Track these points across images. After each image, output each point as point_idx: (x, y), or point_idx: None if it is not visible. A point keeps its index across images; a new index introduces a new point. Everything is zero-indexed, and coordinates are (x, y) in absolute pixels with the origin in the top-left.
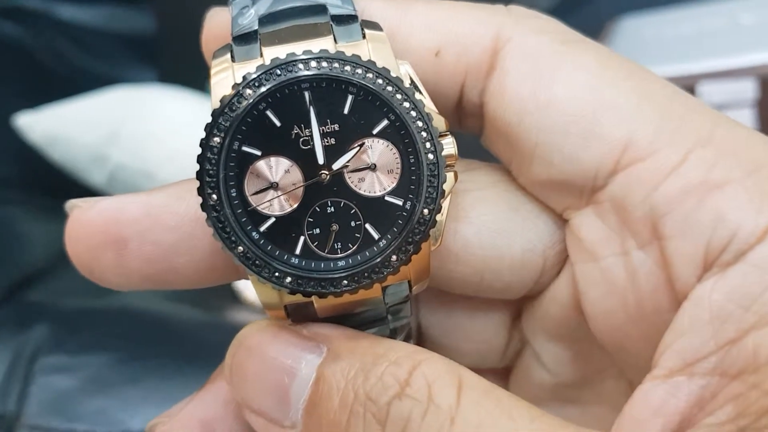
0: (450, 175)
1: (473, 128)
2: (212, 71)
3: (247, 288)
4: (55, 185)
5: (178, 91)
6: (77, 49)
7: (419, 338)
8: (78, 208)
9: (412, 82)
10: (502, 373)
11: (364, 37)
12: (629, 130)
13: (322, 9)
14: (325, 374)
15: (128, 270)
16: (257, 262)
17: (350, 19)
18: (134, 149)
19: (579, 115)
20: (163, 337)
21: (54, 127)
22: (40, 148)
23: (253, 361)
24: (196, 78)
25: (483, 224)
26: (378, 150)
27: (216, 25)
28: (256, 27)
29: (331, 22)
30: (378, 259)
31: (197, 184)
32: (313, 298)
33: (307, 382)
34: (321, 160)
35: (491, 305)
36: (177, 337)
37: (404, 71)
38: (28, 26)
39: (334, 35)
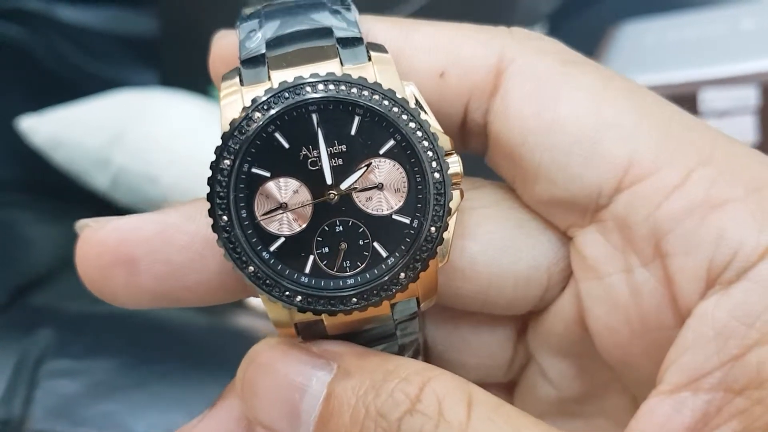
0: (456, 194)
1: (477, 148)
2: (221, 94)
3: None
4: (58, 188)
5: (182, 95)
6: (79, 52)
7: (425, 354)
8: (89, 228)
9: (417, 102)
10: (506, 388)
11: (369, 59)
12: (631, 150)
13: (327, 32)
14: (335, 391)
15: (139, 289)
16: (267, 281)
17: (356, 41)
18: (137, 153)
19: (581, 134)
20: (168, 341)
21: (57, 130)
22: (44, 152)
23: (264, 377)
24: (198, 81)
25: (488, 242)
26: (385, 170)
27: (223, 47)
28: (263, 50)
29: (337, 45)
30: (386, 277)
31: (208, 205)
32: (323, 316)
33: (317, 399)
34: (329, 181)
35: (496, 321)
36: (182, 341)
37: (409, 92)
38: (30, 28)
39: (340, 58)
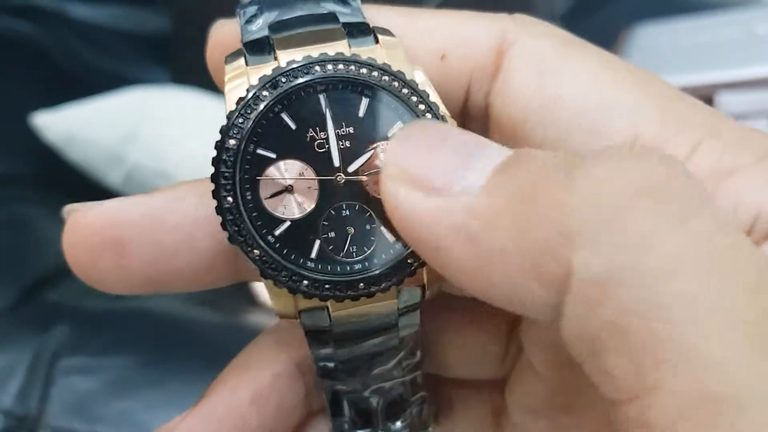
0: None
1: (478, 133)
2: (226, 77)
3: (264, 290)
4: (72, 185)
5: (195, 93)
6: (91, 49)
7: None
8: (75, 212)
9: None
10: (500, 384)
11: (377, 42)
12: (635, 125)
13: (332, 17)
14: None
15: (128, 272)
16: (273, 265)
17: (362, 25)
18: (151, 150)
19: (584, 110)
20: (184, 339)
21: (71, 127)
22: (58, 148)
23: (433, 131)
24: (210, 79)
25: None
26: None
27: (223, 35)
28: (266, 33)
29: (343, 29)
30: (394, 262)
31: (209, 186)
32: (329, 303)
33: (499, 156)
34: (336, 163)
35: (489, 313)
36: (197, 339)
37: (418, 76)
38: (42, 25)
39: (347, 40)
